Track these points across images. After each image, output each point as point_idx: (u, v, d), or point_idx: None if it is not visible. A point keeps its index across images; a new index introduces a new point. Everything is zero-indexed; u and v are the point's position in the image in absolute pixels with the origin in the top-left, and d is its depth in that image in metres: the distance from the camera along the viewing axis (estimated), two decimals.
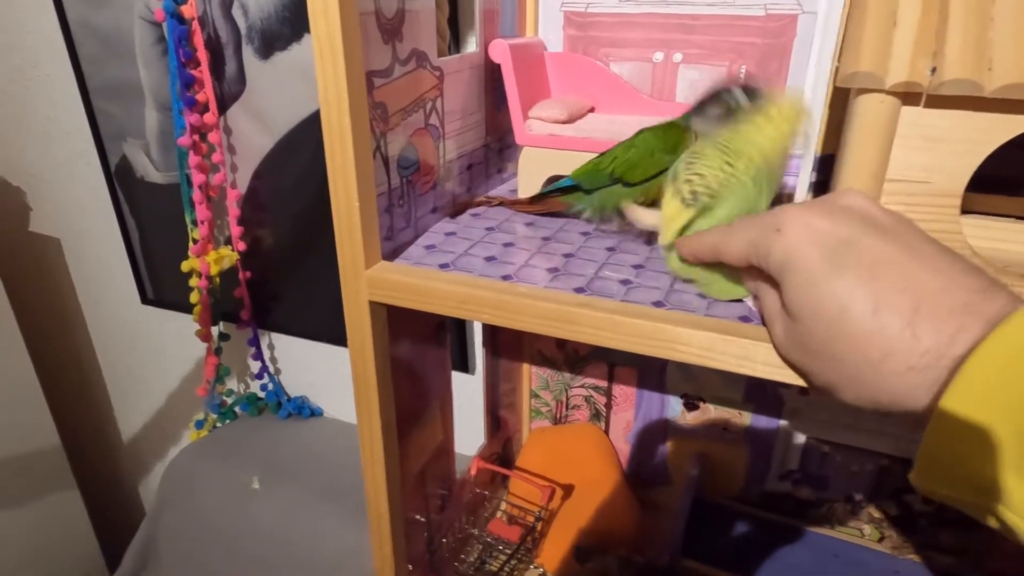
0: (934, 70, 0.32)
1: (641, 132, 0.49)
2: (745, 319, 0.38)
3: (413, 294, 0.43)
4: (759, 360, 0.35)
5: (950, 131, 0.34)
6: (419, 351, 0.57)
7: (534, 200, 0.55)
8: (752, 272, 0.34)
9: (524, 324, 0.40)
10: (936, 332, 0.25)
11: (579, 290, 0.41)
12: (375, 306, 0.45)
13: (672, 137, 0.48)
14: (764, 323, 0.35)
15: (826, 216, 0.29)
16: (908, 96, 0.33)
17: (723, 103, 0.44)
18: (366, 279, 0.44)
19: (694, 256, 0.37)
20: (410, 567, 0.61)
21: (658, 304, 0.39)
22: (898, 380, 0.26)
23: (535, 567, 0.71)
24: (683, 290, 0.41)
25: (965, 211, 0.36)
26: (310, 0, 0.36)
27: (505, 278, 0.43)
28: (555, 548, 0.70)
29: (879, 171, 0.35)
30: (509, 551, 0.70)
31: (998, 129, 0.33)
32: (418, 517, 0.63)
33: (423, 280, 0.42)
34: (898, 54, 0.33)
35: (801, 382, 0.33)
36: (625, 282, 0.42)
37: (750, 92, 0.44)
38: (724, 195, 0.38)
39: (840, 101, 0.46)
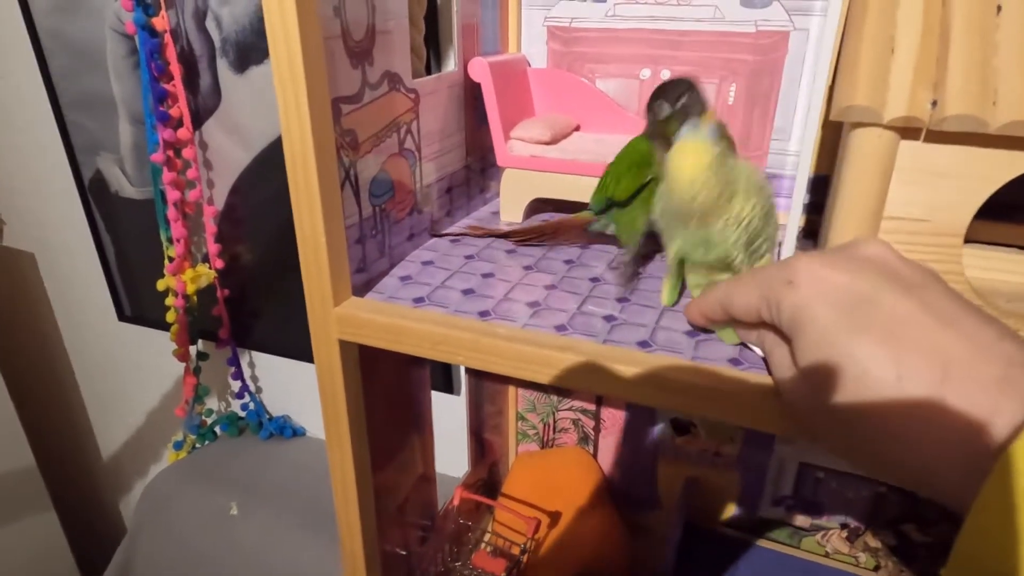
0: (935, 103, 0.30)
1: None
2: (736, 362, 0.35)
3: (385, 334, 0.40)
4: (748, 410, 0.33)
5: (952, 167, 0.32)
6: (396, 379, 0.55)
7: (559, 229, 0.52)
8: (759, 325, 0.32)
9: (502, 368, 0.38)
10: (969, 406, 0.22)
11: (560, 328, 0.39)
12: (345, 344, 0.43)
13: (641, 146, 0.46)
14: (771, 376, 0.32)
15: (843, 269, 0.27)
16: (907, 130, 0.31)
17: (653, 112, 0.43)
18: (335, 317, 0.41)
19: (705, 318, 0.35)
20: None
21: (643, 344, 0.37)
22: (924, 456, 0.23)
23: None
24: (670, 327, 0.39)
25: (964, 240, 0.34)
26: (269, 26, 0.34)
27: (483, 314, 0.41)
28: None
29: (876, 208, 0.33)
30: None
31: (1003, 166, 0.31)
32: (398, 551, 0.60)
33: (396, 319, 0.40)
34: (896, 85, 0.31)
35: (802, 436, 0.31)
36: (609, 318, 0.40)
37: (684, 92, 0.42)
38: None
39: (833, 121, 0.45)
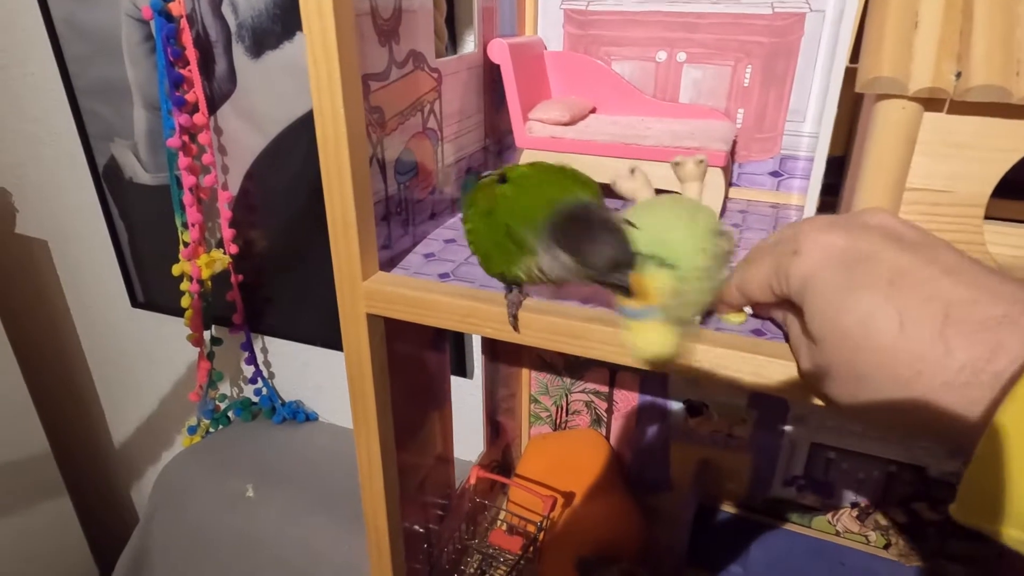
0: (959, 75, 0.31)
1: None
2: (759, 332, 0.36)
3: (413, 307, 0.41)
4: (773, 377, 0.34)
5: (975, 138, 0.32)
6: (418, 359, 0.56)
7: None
8: (776, 301, 0.32)
9: (530, 339, 0.38)
10: (971, 345, 0.23)
11: (586, 301, 0.40)
12: (373, 318, 0.43)
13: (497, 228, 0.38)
14: (791, 349, 0.33)
15: (843, 234, 0.28)
16: (931, 102, 0.32)
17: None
18: (363, 291, 0.42)
19: (727, 306, 0.36)
20: None
21: None
22: (932, 398, 0.24)
23: None
24: None
25: (985, 217, 0.35)
26: (303, 1, 0.35)
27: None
28: (556, 559, 0.69)
29: (899, 179, 0.34)
30: (509, 562, 0.69)
31: None
32: (417, 528, 0.61)
33: (424, 293, 0.41)
34: (921, 57, 0.32)
35: (820, 403, 0.32)
36: None
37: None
38: None
39: (848, 101, 0.45)
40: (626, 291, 0.32)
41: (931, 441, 0.26)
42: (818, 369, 0.29)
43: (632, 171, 0.43)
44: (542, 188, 0.37)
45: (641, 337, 0.33)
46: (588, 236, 0.32)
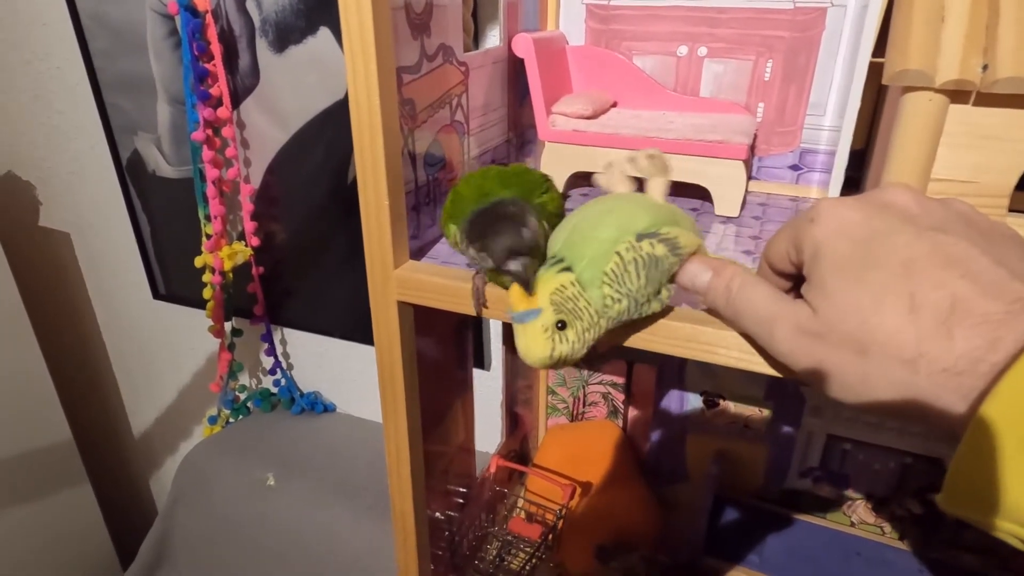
0: (985, 67, 0.32)
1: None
2: None
3: (444, 295, 0.42)
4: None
5: (1000, 130, 0.33)
6: (442, 349, 0.57)
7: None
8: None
9: None
10: (972, 336, 0.24)
11: None
12: (403, 306, 0.44)
13: None
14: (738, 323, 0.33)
15: (861, 209, 0.28)
16: (957, 94, 0.33)
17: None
18: (395, 279, 0.43)
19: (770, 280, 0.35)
20: (432, 566, 0.61)
21: (694, 304, 0.39)
22: (931, 382, 0.24)
23: (553, 566, 0.71)
24: None
25: (1009, 210, 0.36)
26: None
27: None
28: (574, 546, 0.70)
29: (925, 170, 0.35)
30: (527, 549, 0.70)
31: None
32: (439, 515, 0.63)
33: (453, 281, 0.42)
34: (947, 51, 0.32)
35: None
36: None
37: None
38: None
39: (870, 95, 0.46)
40: (525, 283, 0.33)
41: (915, 424, 0.27)
42: (811, 336, 0.28)
43: (608, 165, 0.40)
44: (476, 188, 0.39)
45: (523, 341, 0.33)
46: (491, 228, 0.35)
